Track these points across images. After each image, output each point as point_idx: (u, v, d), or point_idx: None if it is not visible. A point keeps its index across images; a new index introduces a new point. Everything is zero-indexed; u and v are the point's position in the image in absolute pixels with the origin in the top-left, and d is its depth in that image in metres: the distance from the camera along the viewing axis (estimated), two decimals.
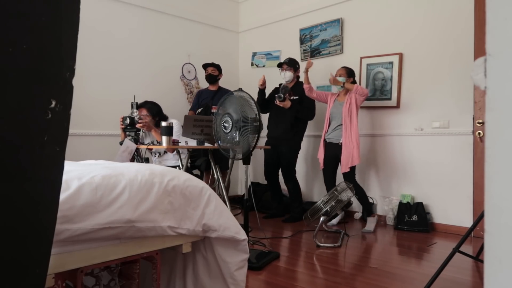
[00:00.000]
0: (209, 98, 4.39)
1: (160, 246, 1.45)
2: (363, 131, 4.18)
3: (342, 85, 3.70)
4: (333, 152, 3.76)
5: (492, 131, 0.44)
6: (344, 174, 3.68)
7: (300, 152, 4.26)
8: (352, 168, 3.67)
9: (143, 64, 4.55)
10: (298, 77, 4.17)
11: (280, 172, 4.29)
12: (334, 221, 3.83)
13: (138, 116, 3.43)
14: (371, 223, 3.65)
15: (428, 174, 3.76)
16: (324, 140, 3.87)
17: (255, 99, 2.67)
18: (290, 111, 4.00)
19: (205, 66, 4.44)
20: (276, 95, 3.94)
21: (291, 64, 4.07)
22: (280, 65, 4.11)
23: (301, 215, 3.77)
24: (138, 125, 3.39)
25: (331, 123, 3.85)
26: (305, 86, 3.86)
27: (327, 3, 4.56)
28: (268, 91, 4.29)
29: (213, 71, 4.38)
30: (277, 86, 4.23)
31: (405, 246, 3.14)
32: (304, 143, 4.64)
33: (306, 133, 4.51)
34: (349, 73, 3.79)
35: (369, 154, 4.17)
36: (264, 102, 4.18)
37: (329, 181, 3.85)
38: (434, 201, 3.72)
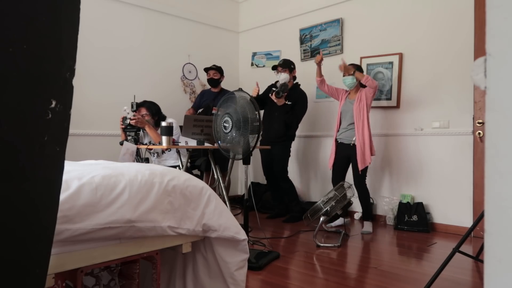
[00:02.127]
0: (210, 99, 4.40)
1: (160, 246, 1.45)
2: None
3: (352, 73, 3.58)
4: (344, 152, 3.68)
5: (492, 131, 0.44)
6: (355, 176, 3.61)
7: (295, 152, 4.26)
8: (363, 170, 3.60)
9: (143, 64, 4.55)
10: (294, 77, 4.16)
11: None
12: (334, 223, 3.81)
13: (130, 114, 3.43)
14: (368, 226, 3.64)
15: (428, 174, 3.76)
16: (336, 140, 3.78)
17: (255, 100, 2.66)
18: (281, 112, 4.00)
19: (207, 70, 4.45)
20: (274, 89, 3.92)
21: (286, 65, 4.06)
22: (274, 68, 4.11)
23: (301, 215, 3.77)
24: (131, 122, 3.40)
25: (342, 122, 3.76)
26: (317, 79, 3.80)
27: (327, 3, 4.56)
28: (262, 89, 4.26)
29: (215, 75, 4.39)
30: (273, 82, 4.21)
31: (405, 246, 3.14)
32: (299, 143, 4.65)
33: (300, 133, 4.51)
34: (356, 67, 3.70)
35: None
36: (259, 101, 4.14)
37: (338, 182, 3.81)
38: (434, 201, 3.72)
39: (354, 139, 3.61)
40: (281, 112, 4.02)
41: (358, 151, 3.54)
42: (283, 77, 4.00)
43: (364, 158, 3.53)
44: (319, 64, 3.78)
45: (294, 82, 4.16)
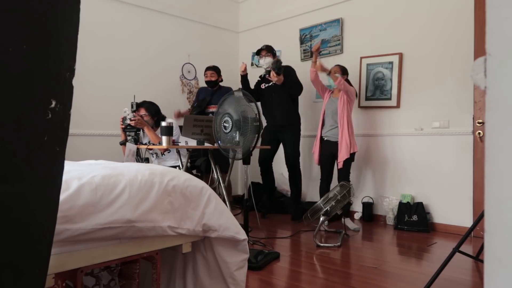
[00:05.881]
0: (208, 94, 4.40)
1: (160, 246, 1.45)
2: (363, 131, 4.18)
3: (328, 72, 3.66)
4: (331, 150, 3.76)
5: (492, 131, 0.44)
6: (339, 171, 3.68)
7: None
8: (347, 166, 3.66)
9: (143, 64, 4.55)
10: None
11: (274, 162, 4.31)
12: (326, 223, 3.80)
13: (130, 114, 3.43)
14: (350, 223, 3.69)
15: (428, 174, 3.76)
16: (321, 137, 3.86)
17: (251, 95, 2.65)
18: (282, 95, 4.00)
19: (205, 70, 4.43)
20: (272, 68, 3.85)
21: (269, 50, 4.08)
22: (258, 53, 4.11)
23: (302, 212, 3.77)
24: (130, 123, 3.40)
25: (325, 119, 3.84)
26: (311, 70, 3.82)
27: (327, 3, 4.56)
28: (252, 82, 4.28)
29: (212, 76, 4.34)
30: (261, 74, 4.24)
31: (405, 246, 3.14)
32: (303, 143, 4.65)
33: (304, 133, 4.52)
34: (343, 70, 3.78)
35: (369, 154, 4.17)
36: (248, 90, 4.15)
37: (326, 179, 3.85)
38: (434, 201, 3.72)
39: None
40: (281, 93, 4.02)
41: (339, 147, 3.65)
42: (267, 60, 4.02)
43: (346, 151, 3.60)
44: (316, 52, 3.81)
45: None
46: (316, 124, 4.62)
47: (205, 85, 4.56)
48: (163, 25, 4.73)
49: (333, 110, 3.76)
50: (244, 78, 4.18)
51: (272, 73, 3.84)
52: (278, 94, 4.05)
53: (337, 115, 3.70)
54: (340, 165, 3.65)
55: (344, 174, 3.65)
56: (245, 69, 4.12)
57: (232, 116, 2.58)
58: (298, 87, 4.09)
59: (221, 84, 4.48)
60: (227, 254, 1.61)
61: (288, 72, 4.04)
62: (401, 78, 3.96)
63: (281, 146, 4.25)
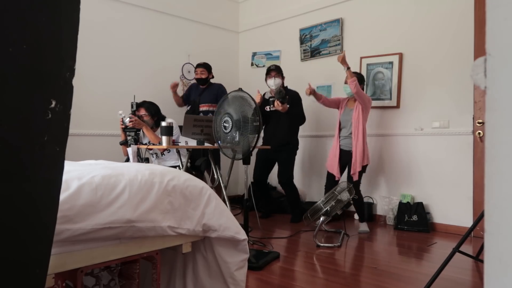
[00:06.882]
0: (197, 95, 4.36)
1: (160, 246, 1.45)
2: None
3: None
4: (343, 158, 3.73)
5: (492, 131, 0.44)
6: (350, 180, 3.64)
7: (298, 151, 4.25)
8: (359, 177, 3.63)
9: (143, 64, 4.55)
10: (283, 84, 4.10)
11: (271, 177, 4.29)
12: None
13: (127, 116, 3.42)
14: (364, 226, 3.67)
15: (428, 174, 3.76)
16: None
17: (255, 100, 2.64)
18: (285, 117, 3.95)
19: (195, 67, 4.40)
20: (273, 99, 3.83)
21: (279, 71, 4.03)
22: (268, 72, 4.05)
23: (301, 212, 3.77)
24: (128, 124, 3.40)
25: (342, 130, 3.78)
26: (319, 102, 3.84)
27: (327, 3, 4.56)
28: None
29: (202, 73, 4.29)
30: (266, 97, 4.14)
31: (405, 246, 3.14)
32: (303, 143, 4.65)
33: (305, 133, 4.52)
34: (360, 79, 3.68)
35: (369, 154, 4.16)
36: (265, 117, 4.05)
37: (331, 185, 3.82)
38: (434, 201, 3.72)
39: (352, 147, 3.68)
40: (284, 117, 3.96)
41: (353, 158, 3.60)
42: (277, 82, 3.97)
43: (359, 163, 3.57)
44: (311, 94, 3.79)
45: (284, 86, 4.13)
46: (317, 125, 4.63)
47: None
48: (163, 25, 4.73)
49: (348, 121, 3.71)
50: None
51: (277, 102, 3.80)
52: (283, 118, 3.97)
53: (352, 126, 3.65)
54: (356, 177, 3.58)
55: (356, 183, 3.61)
56: (261, 100, 3.99)
57: (232, 116, 2.58)
58: (301, 119, 4.09)
59: (211, 81, 4.44)
60: (227, 254, 1.61)
61: (295, 102, 4.00)
62: (401, 78, 3.96)
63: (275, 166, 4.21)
